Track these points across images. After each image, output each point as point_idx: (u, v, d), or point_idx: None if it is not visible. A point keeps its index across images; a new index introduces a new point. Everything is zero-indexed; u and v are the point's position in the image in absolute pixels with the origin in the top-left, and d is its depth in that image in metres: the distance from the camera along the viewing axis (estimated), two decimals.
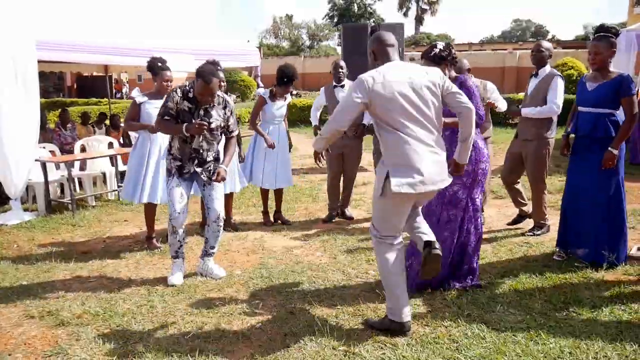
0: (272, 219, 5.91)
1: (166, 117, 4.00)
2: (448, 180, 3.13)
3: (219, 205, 4.20)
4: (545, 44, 5.01)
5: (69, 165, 6.57)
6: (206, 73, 3.85)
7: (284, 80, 5.44)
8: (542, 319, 3.31)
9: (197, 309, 3.61)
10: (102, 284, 4.16)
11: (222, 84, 5.28)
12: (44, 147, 7.52)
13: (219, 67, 5.26)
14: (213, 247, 4.29)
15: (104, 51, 7.30)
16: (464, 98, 3.14)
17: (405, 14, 50.78)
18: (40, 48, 6.28)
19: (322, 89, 5.89)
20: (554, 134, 4.93)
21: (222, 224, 4.24)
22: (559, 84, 4.73)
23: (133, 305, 3.70)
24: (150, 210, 5.09)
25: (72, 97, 27.71)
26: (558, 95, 4.72)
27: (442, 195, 3.70)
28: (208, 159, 4.17)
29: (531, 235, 5.03)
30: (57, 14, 7.14)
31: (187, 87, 4.03)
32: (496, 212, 6.01)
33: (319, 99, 5.98)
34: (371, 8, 47.79)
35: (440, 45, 3.78)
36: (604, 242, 4.14)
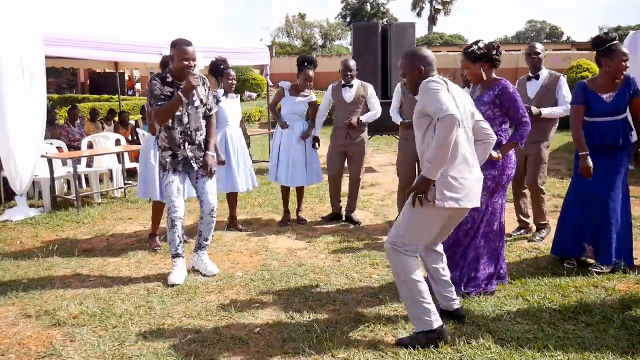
0: (271, 219, 5.88)
1: (159, 103, 3.92)
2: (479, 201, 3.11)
3: (212, 198, 4.22)
4: (540, 46, 4.91)
5: (75, 161, 6.54)
6: (182, 39, 3.92)
7: (304, 64, 5.39)
8: (550, 329, 3.19)
9: (195, 311, 3.53)
10: (102, 283, 4.11)
11: (234, 81, 5.25)
12: (51, 143, 7.51)
13: (228, 65, 5.23)
14: (207, 240, 4.30)
15: (112, 47, 7.26)
16: (487, 125, 3.20)
17: (419, 14, 50.49)
18: (49, 43, 6.26)
19: (330, 86, 5.73)
20: (552, 135, 4.95)
21: (215, 215, 4.26)
22: (566, 83, 4.78)
23: (131, 305, 3.63)
24: (158, 208, 5.03)
25: (84, 93, 27.88)
26: (569, 94, 4.71)
27: None
28: (197, 140, 4.12)
29: (540, 240, 4.92)
30: (66, 9, 7.14)
31: (163, 74, 4.01)
32: (506, 216, 5.86)
33: (326, 100, 5.77)
34: (384, 7, 47.58)
35: (482, 43, 3.62)
36: (618, 248, 4.06)
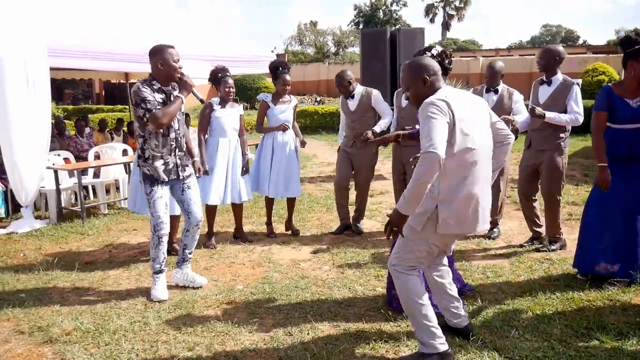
0: (274, 229, 5.71)
1: (158, 107, 3.77)
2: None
3: (199, 209, 4.18)
4: (554, 49, 4.66)
5: (80, 173, 6.51)
6: (163, 44, 3.83)
7: (279, 69, 5.28)
8: (561, 347, 3.02)
9: (191, 327, 3.43)
10: (100, 297, 4.03)
11: (231, 89, 5.13)
12: (58, 155, 7.52)
13: (227, 73, 5.14)
14: (191, 253, 4.24)
15: (120, 58, 7.25)
16: (503, 126, 3.00)
17: (432, 20, 50.27)
18: (57, 55, 6.26)
19: (340, 97, 5.63)
20: (568, 144, 4.69)
21: (200, 227, 4.21)
22: (579, 93, 4.54)
23: (127, 321, 3.54)
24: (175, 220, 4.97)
25: (99, 104, 28.17)
26: (580, 105, 4.51)
27: None
28: (182, 146, 4.06)
29: (545, 251, 4.73)
30: (73, 20, 7.13)
31: (148, 81, 3.82)
32: (517, 225, 5.70)
33: (341, 112, 5.70)
34: (397, 14, 47.47)
35: (435, 50, 3.37)
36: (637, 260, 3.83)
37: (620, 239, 3.83)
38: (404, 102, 4.96)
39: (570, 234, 4.95)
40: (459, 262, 4.57)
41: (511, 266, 4.44)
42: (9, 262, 5.00)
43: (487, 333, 3.21)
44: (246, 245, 5.34)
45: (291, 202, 5.68)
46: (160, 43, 3.85)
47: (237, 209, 5.47)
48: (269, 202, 5.66)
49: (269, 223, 5.72)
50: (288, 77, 5.34)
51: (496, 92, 5.08)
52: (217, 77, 5.11)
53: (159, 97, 3.81)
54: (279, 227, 5.89)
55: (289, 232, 5.73)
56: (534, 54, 26.77)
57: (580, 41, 55.63)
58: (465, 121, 2.67)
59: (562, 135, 4.59)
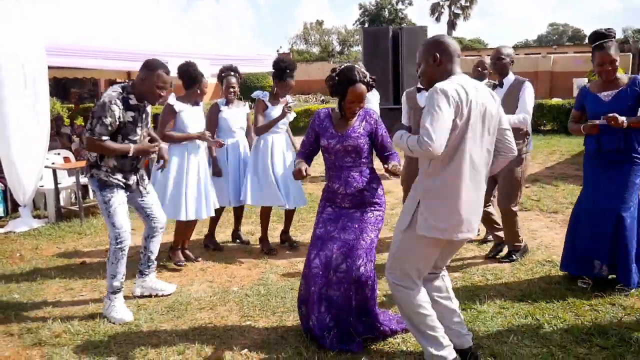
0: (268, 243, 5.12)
1: (104, 137, 3.41)
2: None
3: (162, 211, 3.97)
4: (506, 50, 4.49)
5: (77, 172, 6.46)
6: (162, 63, 3.54)
7: (287, 72, 4.77)
8: (560, 353, 2.94)
9: (182, 330, 3.37)
10: (93, 299, 3.97)
11: (232, 89, 4.99)
12: (58, 154, 7.48)
13: (231, 72, 5.01)
14: (156, 258, 4.02)
15: (122, 57, 7.22)
16: (512, 137, 2.77)
17: (438, 19, 50.04)
18: (55, 54, 6.23)
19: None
20: (531, 148, 4.54)
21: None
22: (529, 90, 4.34)
23: (118, 323, 3.49)
24: (183, 226, 4.74)
25: None
26: (528, 103, 4.31)
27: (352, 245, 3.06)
28: (140, 165, 3.78)
29: (507, 262, 4.50)
30: (73, 19, 7.10)
31: (125, 95, 3.49)
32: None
33: None
34: (402, 13, 47.40)
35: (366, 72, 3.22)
36: (631, 263, 3.72)
37: (610, 240, 3.72)
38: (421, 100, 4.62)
39: None
40: (456, 262, 4.49)
41: (512, 268, 4.35)
42: (5, 262, 4.95)
43: (485, 338, 3.13)
44: (244, 246, 5.28)
45: (291, 212, 5.18)
46: (156, 59, 3.60)
47: (238, 209, 5.37)
48: (266, 214, 5.03)
49: (264, 238, 5.08)
50: (293, 83, 4.92)
51: (501, 85, 4.85)
52: (221, 76, 5.02)
53: (129, 114, 3.52)
54: (272, 235, 5.43)
55: (285, 244, 5.26)
56: (539, 53, 26.61)
57: (587, 40, 55.29)
58: (475, 118, 2.49)
59: (523, 141, 4.36)
